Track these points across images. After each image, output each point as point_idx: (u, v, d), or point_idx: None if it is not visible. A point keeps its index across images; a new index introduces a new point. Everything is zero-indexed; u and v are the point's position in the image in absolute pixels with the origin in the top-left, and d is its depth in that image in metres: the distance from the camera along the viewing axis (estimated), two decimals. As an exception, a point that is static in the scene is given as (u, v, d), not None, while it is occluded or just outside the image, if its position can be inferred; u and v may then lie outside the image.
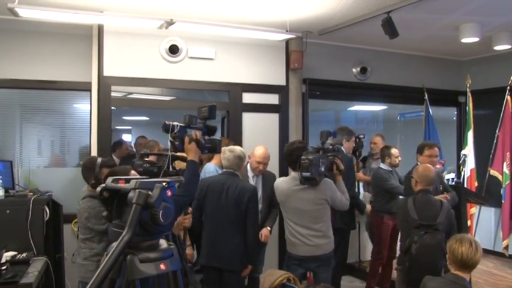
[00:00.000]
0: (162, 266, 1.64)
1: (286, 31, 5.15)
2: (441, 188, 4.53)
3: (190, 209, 2.94)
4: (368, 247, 6.15)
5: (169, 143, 2.74)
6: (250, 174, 4.39)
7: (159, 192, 1.58)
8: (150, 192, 1.58)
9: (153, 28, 4.85)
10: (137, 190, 1.57)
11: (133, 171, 2.84)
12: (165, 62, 5.11)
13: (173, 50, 5.11)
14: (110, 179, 1.73)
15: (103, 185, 1.72)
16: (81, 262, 3.34)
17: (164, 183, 1.63)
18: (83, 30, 4.87)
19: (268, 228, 4.33)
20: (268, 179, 4.40)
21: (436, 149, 4.67)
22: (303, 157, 3.63)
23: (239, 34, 5.17)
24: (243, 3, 4.49)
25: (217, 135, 5.19)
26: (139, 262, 1.60)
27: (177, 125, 2.75)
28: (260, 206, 4.31)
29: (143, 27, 4.85)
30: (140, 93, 5.71)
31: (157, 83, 5.22)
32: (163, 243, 1.74)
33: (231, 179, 3.89)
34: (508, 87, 6.20)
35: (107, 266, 1.47)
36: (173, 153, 2.83)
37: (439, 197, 4.04)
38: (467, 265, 2.79)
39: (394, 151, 5.38)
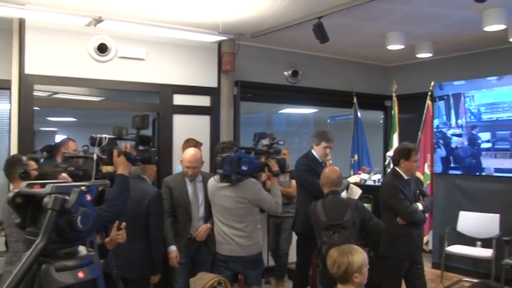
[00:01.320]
0: (81, 274, 1.55)
1: (219, 33, 5.13)
2: (418, 192, 4.43)
3: (124, 224, 2.77)
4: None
5: (95, 157, 2.63)
6: (187, 179, 4.12)
7: (76, 197, 1.49)
8: (67, 197, 1.50)
9: (81, 25, 4.65)
10: (53, 195, 1.48)
11: (64, 174, 2.69)
12: (93, 61, 4.93)
13: (102, 48, 4.93)
14: (23, 184, 1.63)
15: (16, 190, 1.61)
16: (5, 268, 3.14)
17: (83, 187, 1.55)
18: (1, 23, 4.55)
19: (209, 225, 4.10)
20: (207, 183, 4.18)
21: (419, 153, 4.43)
22: (218, 155, 3.72)
23: (171, 35, 5.09)
24: (175, 4, 4.42)
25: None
26: (56, 271, 1.50)
27: (105, 138, 2.65)
28: (202, 212, 4.15)
29: (70, 23, 4.63)
30: (67, 93, 5.45)
31: (85, 83, 5.02)
32: (82, 250, 1.65)
33: (137, 182, 3.61)
34: (429, 93, 6.53)
35: (17, 276, 1.37)
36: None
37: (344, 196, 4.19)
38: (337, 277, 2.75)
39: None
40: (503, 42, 5.58)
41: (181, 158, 4.21)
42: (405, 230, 4.17)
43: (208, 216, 4.16)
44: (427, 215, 4.49)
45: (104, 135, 2.65)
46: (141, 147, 2.76)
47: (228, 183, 3.76)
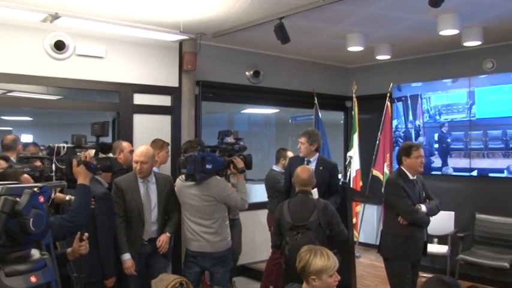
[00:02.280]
0: (33, 279, 1.51)
1: (180, 32, 5.09)
2: (424, 195, 4.24)
3: (86, 235, 2.67)
4: (261, 247, 6.27)
5: (53, 168, 2.55)
6: (139, 180, 3.94)
7: (28, 199, 1.45)
8: (18, 199, 1.45)
9: (36, 21, 4.51)
10: (3, 197, 1.43)
11: (26, 175, 2.59)
12: (50, 59, 4.78)
13: (59, 46, 4.79)
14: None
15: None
16: None
17: (35, 189, 1.51)
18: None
19: (168, 234, 3.99)
20: (162, 184, 4.02)
21: (422, 149, 4.22)
22: (181, 155, 3.77)
23: (131, 33, 5.01)
24: (135, 2, 4.34)
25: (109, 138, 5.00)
26: (5, 276, 1.45)
27: (64, 147, 2.58)
28: (154, 216, 3.96)
29: (24, 19, 4.48)
30: (22, 91, 5.28)
31: (41, 81, 4.86)
32: (35, 253, 1.60)
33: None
34: (388, 94, 6.68)
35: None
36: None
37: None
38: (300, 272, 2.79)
39: (290, 154, 5.54)
40: (457, 46, 5.77)
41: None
42: (406, 231, 4.04)
43: (162, 220, 4.01)
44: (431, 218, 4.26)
45: (62, 144, 2.59)
46: (101, 155, 2.71)
47: (192, 182, 3.79)
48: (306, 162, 4.52)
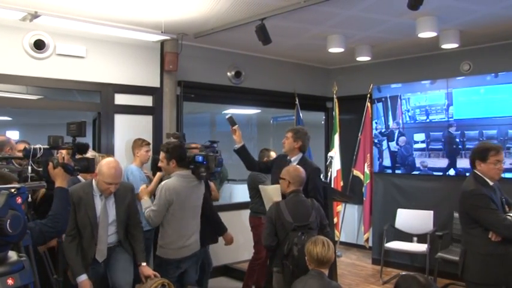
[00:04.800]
0: (10, 281, 1.50)
1: (161, 32, 5.07)
2: (505, 201, 3.61)
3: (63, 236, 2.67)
4: (243, 247, 6.28)
5: (30, 169, 2.50)
6: (97, 192, 3.44)
7: (4, 200, 1.45)
8: (-6, 201, 1.45)
9: (15, 20, 4.44)
10: (-22, 199, 1.43)
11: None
12: (29, 58, 4.74)
13: (39, 45, 4.75)
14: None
15: None
16: None
17: (13, 190, 1.50)
18: None
19: (144, 264, 3.58)
20: (122, 195, 3.56)
21: (502, 153, 3.55)
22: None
23: (112, 33, 4.98)
24: (116, 1, 4.33)
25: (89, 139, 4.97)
26: (-19, 278, 1.45)
27: (40, 148, 2.54)
28: (112, 230, 3.54)
29: (3, 17, 4.40)
30: (1, 90, 5.21)
31: (21, 81, 4.80)
32: (12, 255, 1.59)
33: None
34: (368, 95, 6.76)
35: None
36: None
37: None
38: (323, 262, 3.08)
39: (273, 154, 5.56)
40: (435, 48, 5.87)
41: (98, 169, 3.39)
42: (501, 248, 3.41)
43: (121, 237, 3.60)
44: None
45: (38, 146, 2.55)
46: (77, 156, 2.69)
47: (199, 180, 3.94)
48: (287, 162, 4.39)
